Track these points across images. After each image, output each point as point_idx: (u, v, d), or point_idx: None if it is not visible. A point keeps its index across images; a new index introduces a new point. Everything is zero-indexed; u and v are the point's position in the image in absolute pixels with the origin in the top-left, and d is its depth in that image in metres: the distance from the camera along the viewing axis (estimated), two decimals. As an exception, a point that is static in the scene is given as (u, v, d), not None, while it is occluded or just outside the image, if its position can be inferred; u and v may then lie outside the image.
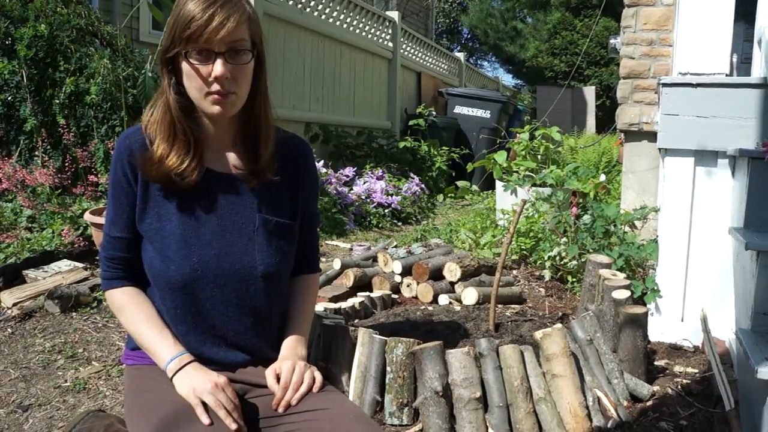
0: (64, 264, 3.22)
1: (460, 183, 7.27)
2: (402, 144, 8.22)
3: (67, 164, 3.96)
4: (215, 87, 1.30)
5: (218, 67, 1.28)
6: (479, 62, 27.59)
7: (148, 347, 1.40)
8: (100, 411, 1.75)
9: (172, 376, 1.36)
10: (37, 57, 4.03)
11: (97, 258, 3.41)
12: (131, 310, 1.43)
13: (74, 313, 2.82)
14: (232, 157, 1.45)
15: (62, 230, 3.43)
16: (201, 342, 1.42)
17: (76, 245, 3.42)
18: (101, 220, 3.29)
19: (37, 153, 3.99)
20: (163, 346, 1.38)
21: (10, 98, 4.01)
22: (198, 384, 1.32)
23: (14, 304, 2.80)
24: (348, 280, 3.22)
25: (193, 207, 1.40)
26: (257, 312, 1.44)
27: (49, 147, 4.04)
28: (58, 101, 4.02)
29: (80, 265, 3.23)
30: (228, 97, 1.32)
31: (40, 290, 2.91)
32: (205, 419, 1.28)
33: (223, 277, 1.39)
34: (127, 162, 1.38)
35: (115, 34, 4.47)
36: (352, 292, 3.14)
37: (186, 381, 1.34)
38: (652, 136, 3.83)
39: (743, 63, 4.15)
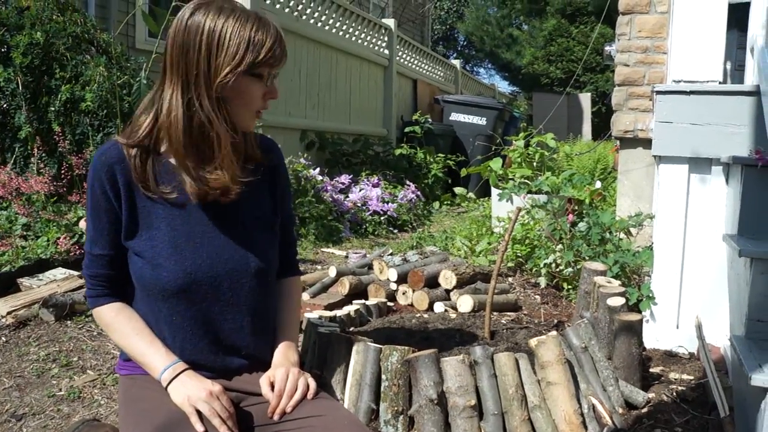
0: (59, 272, 3.21)
1: (457, 190, 7.30)
2: (398, 151, 8.23)
3: (62, 172, 3.96)
4: (265, 105, 1.41)
5: (276, 90, 1.42)
6: (475, 69, 27.70)
7: (141, 359, 1.40)
8: (94, 420, 1.75)
9: (167, 385, 1.36)
10: (33, 64, 4.03)
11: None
12: (120, 323, 1.43)
13: (69, 322, 2.82)
14: None
15: (58, 238, 3.42)
16: (198, 349, 1.42)
17: (71, 253, 3.41)
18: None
19: (32, 161, 3.99)
20: (155, 356, 1.39)
21: (5, 106, 4.00)
22: (193, 392, 1.33)
23: (8, 313, 2.79)
24: (343, 287, 3.22)
25: (180, 212, 1.41)
26: (253, 310, 1.45)
27: (44, 155, 4.03)
28: (53, 109, 4.02)
29: (75, 273, 3.22)
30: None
31: (34, 298, 2.90)
32: (199, 428, 1.28)
33: (216, 278, 1.40)
34: (106, 179, 1.38)
35: (111, 41, 4.48)
36: (347, 300, 3.14)
37: (181, 389, 1.34)
38: (647, 143, 3.85)
39: (737, 70, 4.18)
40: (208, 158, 1.38)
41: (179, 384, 1.35)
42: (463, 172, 6.42)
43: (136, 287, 1.44)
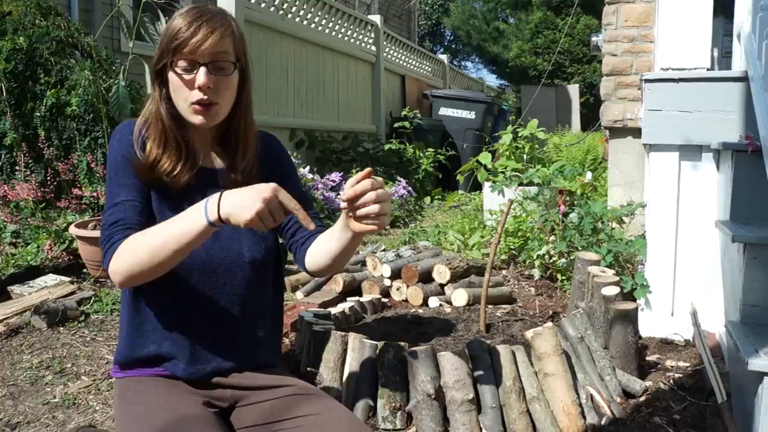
0: (50, 278, 3.18)
1: (449, 196, 7.29)
2: (388, 147, 8.21)
3: (49, 178, 3.93)
4: (197, 95, 1.35)
5: (201, 77, 1.34)
6: (463, 63, 27.68)
7: (180, 228, 1.25)
8: (90, 426, 1.74)
9: (218, 209, 1.20)
10: (17, 70, 3.99)
11: (84, 271, 3.38)
12: (142, 233, 1.30)
13: (62, 328, 2.79)
14: (213, 156, 1.50)
15: (46, 245, 3.39)
16: (192, 340, 1.41)
17: (60, 259, 3.39)
18: (87, 233, 3.26)
19: (18, 167, 3.95)
20: (188, 211, 1.26)
21: (-10, 113, 3.97)
22: (258, 192, 1.19)
23: (0, 321, 2.76)
24: (337, 285, 3.21)
25: (177, 202, 1.41)
26: (245, 299, 1.45)
27: (30, 161, 4.00)
28: (39, 114, 3.98)
29: (66, 279, 3.20)
30: (210, 109, 1.38)
31: (26, 306, 2.87)
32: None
33: (211, 265, 1.41)
34: (129, 144, 1.41)
35: (96, 45, 4.44)
36: (341, 297, 3.13)
37: (243, 199, 1.19)
38: (636, 132, 3.85)
39: (724, 57, 4.19)
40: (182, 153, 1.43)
41: (232, 197, 1.20)
42: (460, 178, 6.43)
43: None
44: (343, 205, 1.26)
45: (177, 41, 1.32)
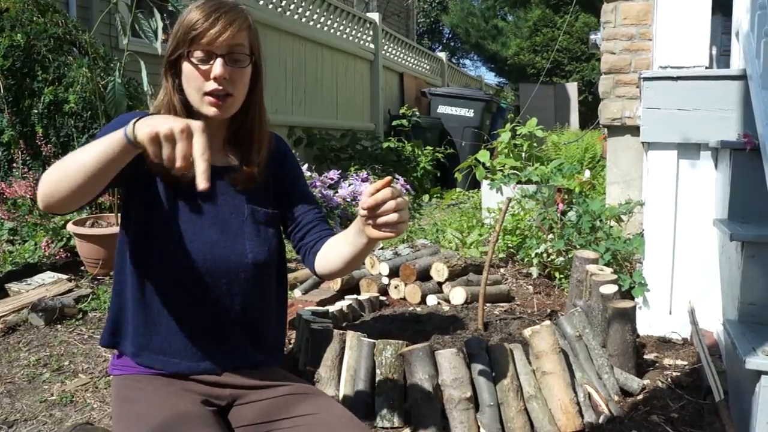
0: (48, 276, 3.18)
1: (447, 194, 7.27)
2: (386, 145, 8.20)
3: (47, 175, 3.91)
4: (212, 85, 1.35)
5: (217, 68, 1.33)
6: (461, 61, 27.65)
7: (102, 147, 1.17)
8: (87, 424, 1.73)
9: (134, 128, 1.13)
10: (14, 67, 3.98)
11: (82, 268, 3.38)
12: (73, 152, 1.23)
13: (59, 326, 2.79)
14: (223, 154, 1.48)
15: (43, 242, 3.39)
16: (191, 336, 1.41)
17: (58, 257, 3.38)
18: (84, 230, 3.26)
19: (16, 165, 3.95)
20: (115, 133, 1.18)
21: (-13, 110, 3.96)
22: (165, 120, 1.12)
23: (-3, 319, 2.76)
24: (335, 283, 3.20)
25: (186, 198, 1.41)
26: (245, 300, 1.44)
27: (28, 158, 3.99)
28: (36, 111, 3.97)
29: (64, 276, 3.19)
30: (226, 100, 1.37)
31: (23, 303, 2.87)
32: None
33: (213, 264, 1.40)
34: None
35: (94, 42, 4.43)
36: (339, 296, 3.12)
37: (148, 121, 1.12)
38: (635, 131, 3.85)
39: (722, 55, 4.19)
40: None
41: (147, 120, 1.14)
42: (458, 176, 6.43)
43: (133, 268, 1.42)
44: (362, 212, 1.27)
45: (195, 32, 1.33)
